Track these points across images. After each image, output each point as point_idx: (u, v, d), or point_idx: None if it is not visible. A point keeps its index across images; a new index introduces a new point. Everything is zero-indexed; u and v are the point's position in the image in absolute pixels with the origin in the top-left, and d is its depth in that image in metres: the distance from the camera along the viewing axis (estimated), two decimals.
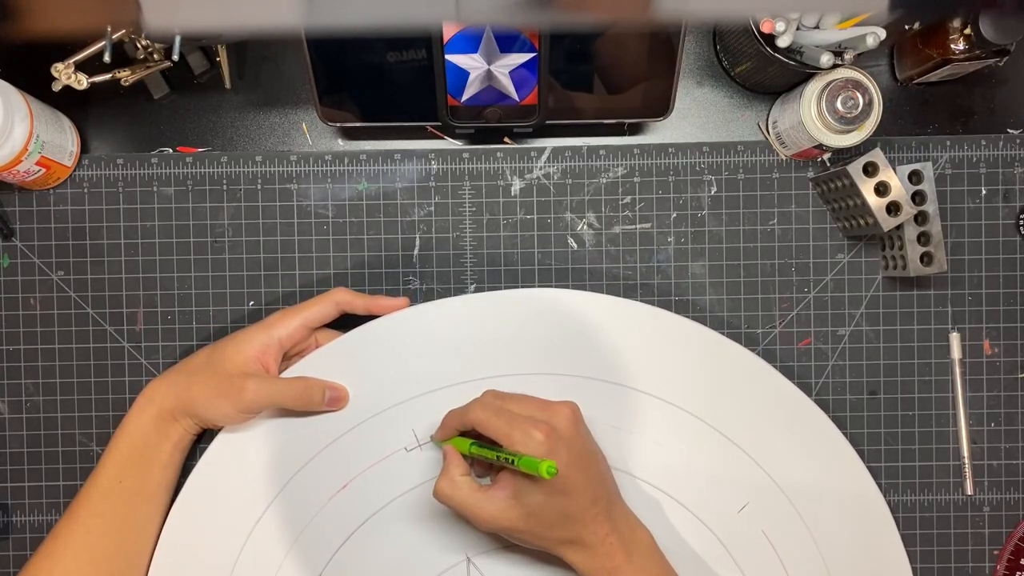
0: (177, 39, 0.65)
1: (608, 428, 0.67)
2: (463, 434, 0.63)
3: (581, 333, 0.68)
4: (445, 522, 0.66)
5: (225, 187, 0.73)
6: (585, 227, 0.73)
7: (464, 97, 0.67)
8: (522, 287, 0.72)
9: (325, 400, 0.65)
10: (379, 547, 0.66)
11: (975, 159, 0.73)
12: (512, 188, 0.73)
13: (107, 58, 0.65)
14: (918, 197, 0.69)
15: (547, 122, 0.68)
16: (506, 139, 0.74)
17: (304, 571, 0.66)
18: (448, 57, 0.64)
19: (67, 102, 0.70)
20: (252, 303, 0.73)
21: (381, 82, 0.67)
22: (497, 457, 0.58)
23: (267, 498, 0.66)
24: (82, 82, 0.67)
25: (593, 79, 0.67)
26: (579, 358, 0.67)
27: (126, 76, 0.69)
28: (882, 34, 0.64)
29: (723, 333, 0.69)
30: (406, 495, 0.66)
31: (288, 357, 0.67)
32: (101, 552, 0.63)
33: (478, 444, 0.61)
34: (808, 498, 0.68)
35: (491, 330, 0.67)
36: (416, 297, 0.73)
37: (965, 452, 0.73)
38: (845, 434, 0.69)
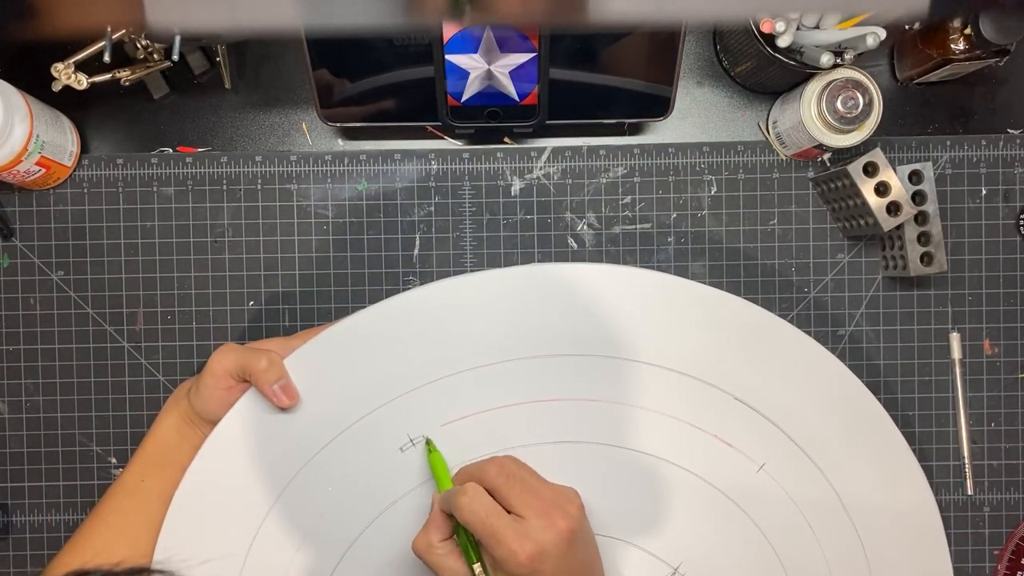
0: (177, 39, 0.65)
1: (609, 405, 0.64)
2: None
3: (588, 307, 0.64)
4: None
5: (225, 187, 0.73)
6: (585, 227, 0.73)
7: (464, 97, 0.67)
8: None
9: (273, 385, 0.61)
10: (386, 548, 0.65)
11: (975, 159, 0.73)
12: (512, 188, 0.73)
13: (107, 58, 0.65)
14: (918, 197, 0.69)
15: (547, 122, 0.68)
16: (506, 139, 0.74)
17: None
18: (448, 57, 0.64)
19: (67, 102, 0.70)
20: (252, 303, 0.73)
21: (381, 82, 0.66)
22: (470, 563, 0.57)
23: (265, 505, 0.65)
24: (82, 82, 0.67)
25: (593, 79, 0.67)
26: (588, 335, 0.64)
27: (126, 76, 0.69)
28: (882, 34, 0.64)
29: None
30: (411, 493, 0.66)
31: None
32: (120, 550, 0.62)
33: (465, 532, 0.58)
34: (864, 512, 0.65)
35: (501, 311, 0.63)
36: None
37: (965, 452, 0.73)
38: None
